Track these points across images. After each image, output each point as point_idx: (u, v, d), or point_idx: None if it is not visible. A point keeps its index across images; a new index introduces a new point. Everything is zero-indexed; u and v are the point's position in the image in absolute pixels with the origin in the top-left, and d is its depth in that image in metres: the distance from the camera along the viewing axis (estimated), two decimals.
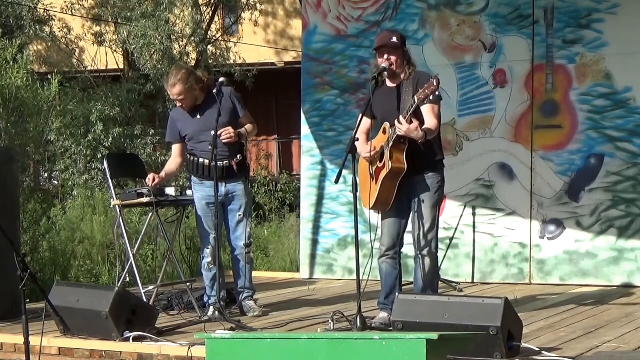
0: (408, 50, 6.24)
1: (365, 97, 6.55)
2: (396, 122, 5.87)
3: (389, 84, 6.20)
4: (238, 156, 6.74)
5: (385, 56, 6.10)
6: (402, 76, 6.15)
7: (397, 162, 5.96)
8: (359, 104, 8.27)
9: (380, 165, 6.05)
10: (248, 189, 6.85)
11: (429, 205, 6.07)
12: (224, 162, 6.67)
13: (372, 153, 6.06)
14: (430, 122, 5.98)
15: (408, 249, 6.38)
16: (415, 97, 5.83)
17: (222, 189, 6.71)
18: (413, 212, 6.12)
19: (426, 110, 5.98)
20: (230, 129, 6.61)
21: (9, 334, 6.13)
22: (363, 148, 6.14)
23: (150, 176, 6.84)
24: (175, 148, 6.98)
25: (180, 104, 6.77)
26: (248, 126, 6.79)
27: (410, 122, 5.84)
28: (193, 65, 18.88)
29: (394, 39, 6.13)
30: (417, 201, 6.08)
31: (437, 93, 5.77)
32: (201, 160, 6.72)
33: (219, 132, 6.53)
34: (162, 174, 6.96)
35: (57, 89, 10.58)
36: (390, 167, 5.95)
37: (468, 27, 8.74)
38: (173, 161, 7.03)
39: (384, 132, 6.06)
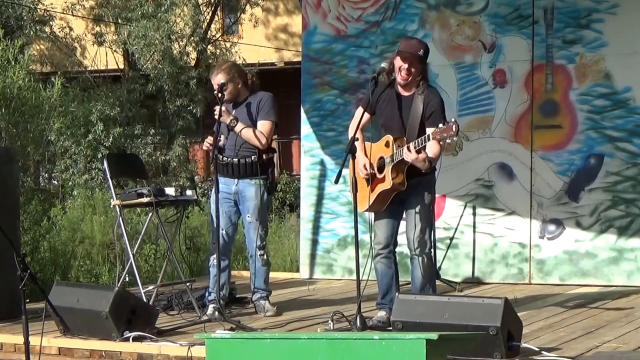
0: (427, 65, 6.21)
1: (365, 95, 6.54)
2: (405, 149, 5.85)
3: (400, 91, 6.14)
4: (252, 157, 6.72)
5: (407, 65, 6.04)
6: (415, 89, 6.11)
7: (399, 179, 6.00)
8: (359, 103, 8.25)
9: (379, 176, 6.06)
10: (261, 191, 6.73)
11: (423, 205, 6.08)
12: (235, 160, 6.68)
13: (369, 172, 6.09)
14: (433, 150, 5.93)
15: (406, 249, 6.38)
16: (431, 134, 5.80)
17: (234, 186, 6.75)
18: (407, 212, 6.13)
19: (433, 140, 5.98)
20: (221, 108, 6.63)
21: (8, 334, 6.14)
22: (360, 164, 6.12)
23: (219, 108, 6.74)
24: None
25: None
26: (249, 129, 6.70)
27: (419, 152, 5.84)
28: (193, 65, 18.91)
29: (421, 52, 6.08)
30: (411, 201, 6.09)
31: (454, 139, 5.77)
32: (219, 156, 6.73)
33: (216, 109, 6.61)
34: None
35: (60, 90, 10.58)
36: (392, 185, 5.98)
37: (468, 27, 8.75)
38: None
39: (387, 145, 6.04)
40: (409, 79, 6.06)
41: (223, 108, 6.66)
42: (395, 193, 6.06)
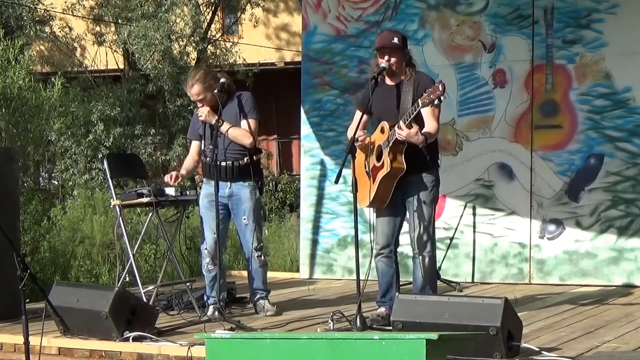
0: (409, 51, 6.25)
1: (361, 93, 6.54)
2: (396, 127, 5.89)
3: (388, 82, 6.21)
4: (245, 158, 6.72)
5: (386, 57, 6.11)
6: (402, 76, 6.16)
7: (397, 162, 5.98)
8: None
9: (378, 164, 6.06)
10: (254, 193, 6.77)
11: (425, 204, 6.09)
12: (228, 162, 6.67)
13: (366, 141, 6.08)
14: (430, 125, 5.99)
15: (407, 249, 6.39)
16: (419, 100, 5.83)
17: (227, 189, 6.72)
18: (409, 211, 6.13)
19: (427, 113, 5.99)
20: (206, 108, 6.65)
21: (8, 334, 6.14)
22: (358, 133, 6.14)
23: (173, 174, 6.77)
24: (194, 145, 6.97)
25: (202, 105, 6.75)
26: (237, 129, 6.68)
27: (410, 127, 5.86)
28: (193, 65, 18.90)
29: (395, 40, 6.15)
30: (413, 200, 6.09)
31: (442, 98, 5.78)
32: (208, 159, 6.73)
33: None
34: (183, 171, 6.91)
35: (60, 90, 10.58)
36: (390, 168, 5.96)
37: (468, 27, 8.75)
38: (190, 158, 7.00)
39: (382, 131, 6.07)
40: (395, 68, 6.11)
41: (207, 110, 6.64)
42: (396, 180, 6.03)
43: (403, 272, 6.82)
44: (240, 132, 6.69)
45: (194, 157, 6.98)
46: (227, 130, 6.65)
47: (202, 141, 6.80)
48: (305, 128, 9.35)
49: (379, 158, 6.08)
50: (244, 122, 6.72)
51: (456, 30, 8.79)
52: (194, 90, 6.70)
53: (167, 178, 6.78)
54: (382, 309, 6.22)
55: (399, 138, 5.88)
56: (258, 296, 6.91)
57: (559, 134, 8.43)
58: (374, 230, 6.32)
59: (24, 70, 9.82)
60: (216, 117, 6.63)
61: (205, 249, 6.79)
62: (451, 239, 8.66)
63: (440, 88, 5.74)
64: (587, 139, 8.33)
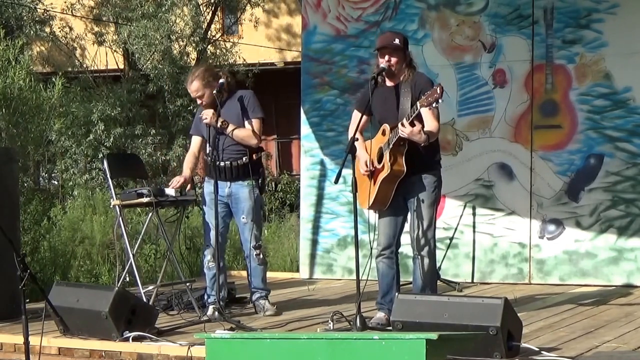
0: (410, 53, 6.25)
1: (361, 94, 6.55)
2: (399, 125, 5.89)
3: (387, 83, 6.22)
4: (243, 158, 6.72)
5: (386, 57, 6.12)
6: (401, 77, 6.17)
7: (397, 164, 5.99)
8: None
9: (379, 166, 6.07)
10: (254, 192, 6.76)
11: (426, 205, 6.09)
12: (227, 162, 6.67)
13: (369, 168, 6.10)
14: (430, 124, 5.99)
15: (407, 249, 6.39)
16: (418, 103, 5.84)
17: (227, 189, 6.73)
18: (410, 212, 6.13)
19: (426, 113, 6.00)
20: (210, 111, 6.62)
21: (8, 334, 6.14)
22: (361, 161, 6.15)
23: (180, 179, 6.79)
24: (196, 140, 6.95)
25: (200, 102, 6.75)
26: (242, 130, 6.70)
27: (413, 125, 5.87)
28: (193, 65, 18.91)
29: (396, 41, 6.15)
30: (415, 201, 6.09)
31: (440, 101, 5.78)
32: (209, 159, 6.73)
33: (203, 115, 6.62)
34: (187, 171, 6.90)
35: (60, 90, 10.58)
36: (390, 170, 5.97)
37: (467, 27, 8.75)
38: (191, 155, 6.97)
39: (383, 133, 6.08)
40: (395, 69, 6.12)
41: (211, 112, 6.63)
42: (397, 182, 6.03)
43: (403, 272, 6.82)
44: (246, 133, 6.69)
45: (195, 153, 6.97)
46: (232, 132, 6.66)
47: (207, 141, 6.76)
48: (305, 128, 9.35)
49: (379, 160, 6.08)
50: (248, 123, 6.72)
51: (456, 30, 8.79)
52: (193, 86, 6.70)
53: (173, 184, 6.80)
54: (381, 314, 6.21)
55: (402, 135, 5.88)
56: (258, 296, 6.90)
57: (558, 134, 8.43)
58: (374, 230, 6.32)
59: (24, 70, 9.83)
60: (221, 120, 6.63)
61: (208, 246, 6.79)
62: (451, 239, 8.66)
63: (439, 91, 5.75)
64: (587, 139, 8.33)
